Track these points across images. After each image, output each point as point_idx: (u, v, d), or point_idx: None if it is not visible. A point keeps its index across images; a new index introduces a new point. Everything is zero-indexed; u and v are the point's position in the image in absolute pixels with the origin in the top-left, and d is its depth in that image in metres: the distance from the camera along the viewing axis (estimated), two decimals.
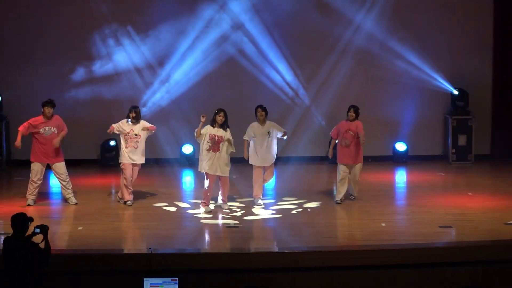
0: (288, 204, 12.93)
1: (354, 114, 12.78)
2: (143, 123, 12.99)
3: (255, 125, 12.76)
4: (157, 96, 16.43)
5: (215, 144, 12.23)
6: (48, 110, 12.76)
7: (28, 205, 12.73)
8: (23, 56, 16.54)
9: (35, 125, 12.74)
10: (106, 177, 15.75)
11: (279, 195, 13.57)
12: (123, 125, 12.91)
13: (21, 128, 12.77)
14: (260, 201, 12.80)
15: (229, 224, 11.70)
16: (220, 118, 12.26)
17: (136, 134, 12.84)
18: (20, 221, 8.28)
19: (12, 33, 16.50)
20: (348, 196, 13.03)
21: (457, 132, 16.78)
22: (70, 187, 12.99)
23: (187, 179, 15.87)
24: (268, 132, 12.66)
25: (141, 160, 12.92)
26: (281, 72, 16.63)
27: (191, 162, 16.54)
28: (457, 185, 14.78)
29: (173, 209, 12.69)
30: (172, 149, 16.53)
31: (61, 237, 10.89)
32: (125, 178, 12.87)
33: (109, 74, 16.35)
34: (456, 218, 11.81)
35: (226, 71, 16.60)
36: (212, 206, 12.52)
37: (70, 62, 16.26)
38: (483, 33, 17.01)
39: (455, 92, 16.77)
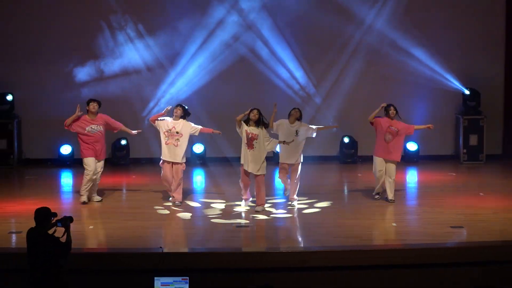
0: (299, 203, 12.90)
1: (395, 111, 12.88)
2: (187, 124, 12.64)
3: (284, 121, 12.71)
4: (168, 95, 16.43)
5: (249, 141, 12.21)
6: (93, 106, 12.60)
7: (84, 202, 12.63)
8: (34, 55, 16.57)
9: (80, 121, 12.59)
10: (117, 176, 15.76)
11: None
12: (166, 122, 12.60)
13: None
14: (295, 203, 12.75)
15: (240, 223, 11.70)
16: (253, 115, 12.19)
17: (177, 132, 12.58)
18: (41, 216, 8.27)
19: (23, 32, 16.53)
20: (383, 197, 13.01)
21: (469, 132, 16.73)
22: (97, 183, 12.95)
23: (198, 178, 15.87)
24: (296, 131, 12.64)
25: (180, 159, 12.55)
26: (292, 72, 16.61)
27: (202, 161, 16.56)
28: (468, 185, 14.72)
29: (183, 208, 12.69)
30: None
31: (72, 236, 10.83)
32: (162, 177, 12.70)
33: (119, 72, 16.37)
34: (468, 218, 11.76)
35: (236, 71, 16.58)
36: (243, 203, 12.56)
37: (81, 60, 16.29)
38: (495, 33, 16.95)
39: (467, 92, 16.72)
